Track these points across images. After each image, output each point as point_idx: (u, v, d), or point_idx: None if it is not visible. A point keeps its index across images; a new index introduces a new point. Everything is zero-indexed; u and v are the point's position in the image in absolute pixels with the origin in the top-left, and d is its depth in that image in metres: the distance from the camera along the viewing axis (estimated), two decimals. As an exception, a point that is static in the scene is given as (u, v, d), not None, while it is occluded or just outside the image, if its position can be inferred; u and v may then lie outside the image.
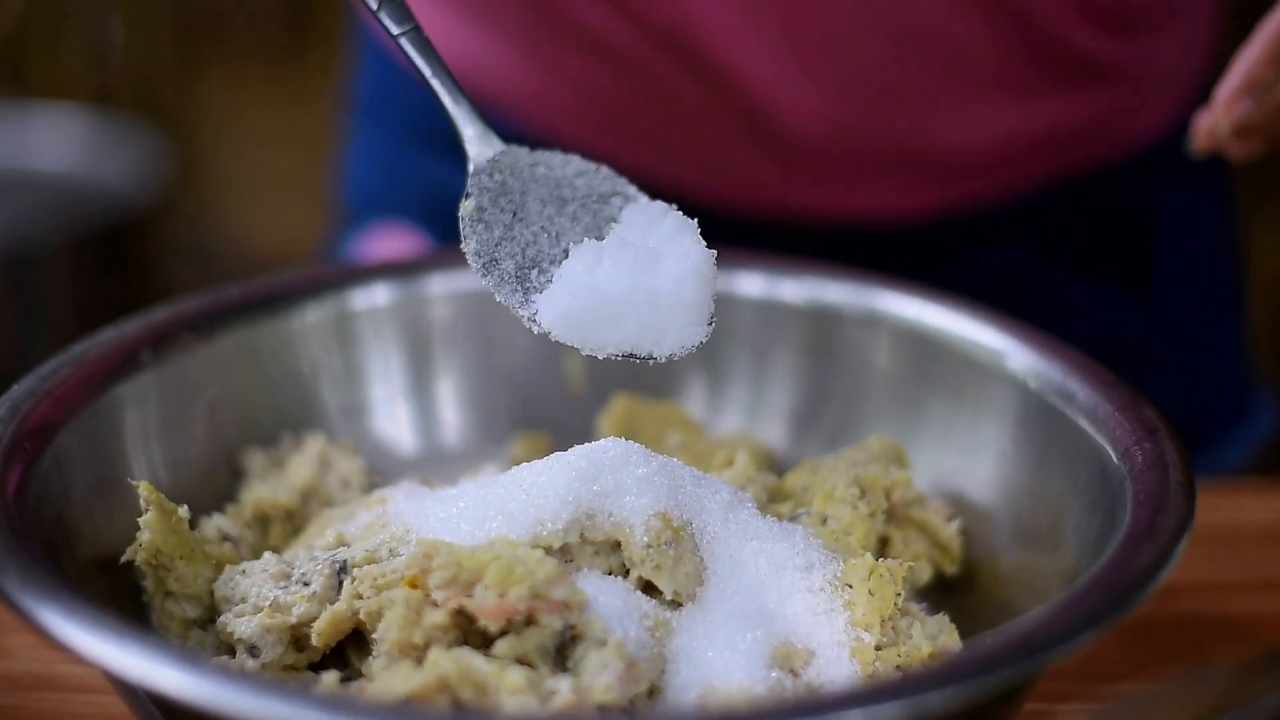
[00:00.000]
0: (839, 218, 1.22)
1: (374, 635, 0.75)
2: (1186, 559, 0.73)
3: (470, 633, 0.73)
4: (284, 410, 0.96)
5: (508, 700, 0.69)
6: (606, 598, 0.74)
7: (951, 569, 0.88)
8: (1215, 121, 0.91)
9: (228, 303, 0.94)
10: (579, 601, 0.73)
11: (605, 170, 0.88)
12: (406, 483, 0.89)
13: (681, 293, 0.79)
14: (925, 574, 0.87)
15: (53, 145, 2.78)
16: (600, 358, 0.80)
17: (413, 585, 0.75)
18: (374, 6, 0.86)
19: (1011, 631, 0.70)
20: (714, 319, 0.81)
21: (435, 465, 0.98)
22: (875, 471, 0.86)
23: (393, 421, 0.99)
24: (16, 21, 2.88)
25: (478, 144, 0.86)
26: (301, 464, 0.93)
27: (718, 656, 0.74)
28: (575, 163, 0.88)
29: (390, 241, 1.30)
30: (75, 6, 2.91)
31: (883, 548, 0.87)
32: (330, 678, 0.75)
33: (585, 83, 1.20)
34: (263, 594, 0.79)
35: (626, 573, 0.78)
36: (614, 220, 0.85)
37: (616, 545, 0.78)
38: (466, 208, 0.84)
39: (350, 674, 0.77)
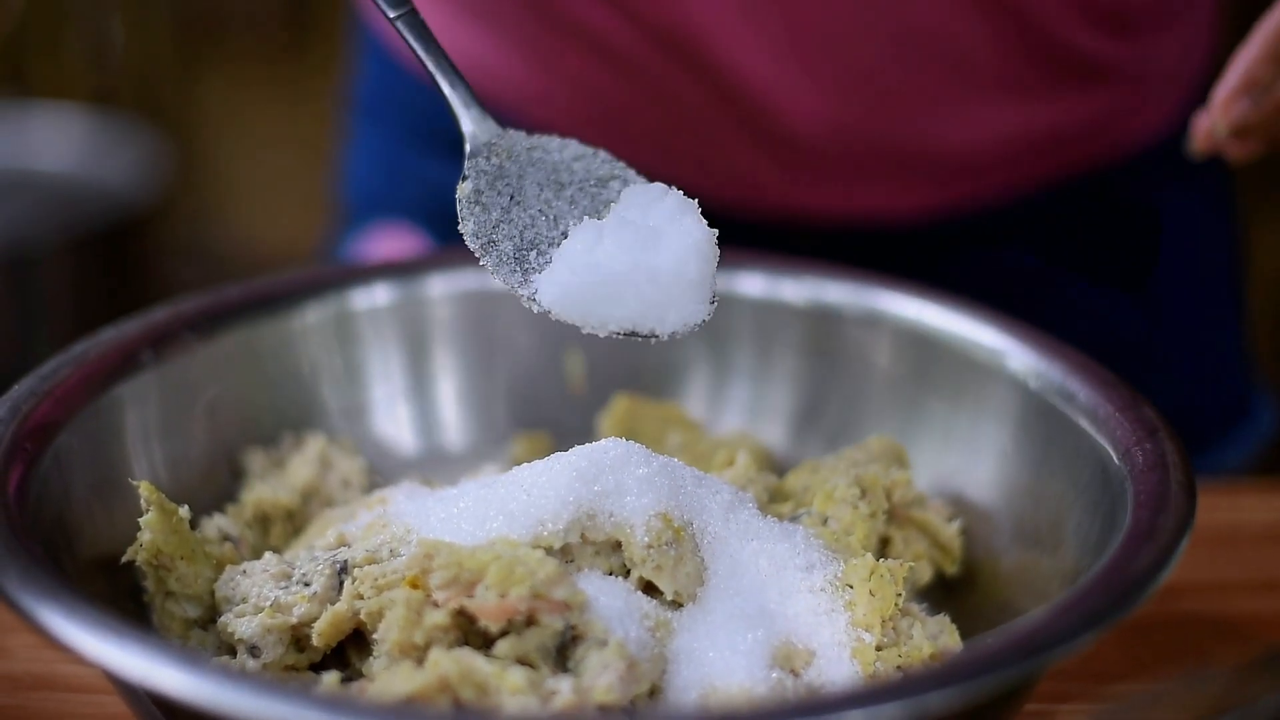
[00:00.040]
0: (839, 218, 1.22)
1: (375, 635, 0.75)
2: (1187, 559, 0.73)
3: (471, 633, 0.73)
4: (284, 410, 0.96)
5: (508, 701, 0.69)
6: (607, 598, 0.74)
7: (952, 569, 0.88)
8: (1213, 122, 0.91)
9: (228, 303, 0.94)
10: (580, 602, 0.73)
11: (603, 154, 0.88)
12: (407, 483, 0.89)
13: (683, 270, 0.79)
14: (926, 574, 0.87)
15: (53, 145, 2.78)
16: (601, 335, 0.80)
17: (413, 585, 0.75)
18: None
19: (1012, 632, 0.70)
20: (715, 299, 0.81)
21: (436, 465, 0.98)
22: (876, 472, 0.86)
23: (393, 421, 0.99)
24: (17, 21, 2.88)
25: (475, 127, 0.86)
26: (302, 464, 0.93)
27: (718, 657, 0.74)
28: (573, 147, 0.87)
29: (390, 241, 1.30)
30: (75, 7, 2.91)
31: (883, 548, 0.87)
32: (331, 678, 0.75)
33: (585, 82, 1.20)
34: (263, 594, 0.79)
35: (627, 573, 0.78)
36: (612, 203, 0.85)
37: (617, 545, 0.78)
38: (464, 190, 0.84)
39: (351, 674, 0.77)
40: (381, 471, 0.96)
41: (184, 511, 0.82)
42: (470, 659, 0.71)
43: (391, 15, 0.85)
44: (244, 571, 0.81)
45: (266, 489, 0.90)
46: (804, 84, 1.15)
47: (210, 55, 2.94)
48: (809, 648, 0.76)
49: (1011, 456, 0.89)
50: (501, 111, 1.24)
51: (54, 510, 0.78)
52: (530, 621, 0.73)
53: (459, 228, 0.83)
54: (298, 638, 0.78)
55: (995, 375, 0.91)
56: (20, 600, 0.67)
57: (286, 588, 0.79)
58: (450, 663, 0.70)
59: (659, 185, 0.82)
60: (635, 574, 0.77)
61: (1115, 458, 0.81)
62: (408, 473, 0.95)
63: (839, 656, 0.76)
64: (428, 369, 1.00)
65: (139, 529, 0.80)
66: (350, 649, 0.78)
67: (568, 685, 0.70)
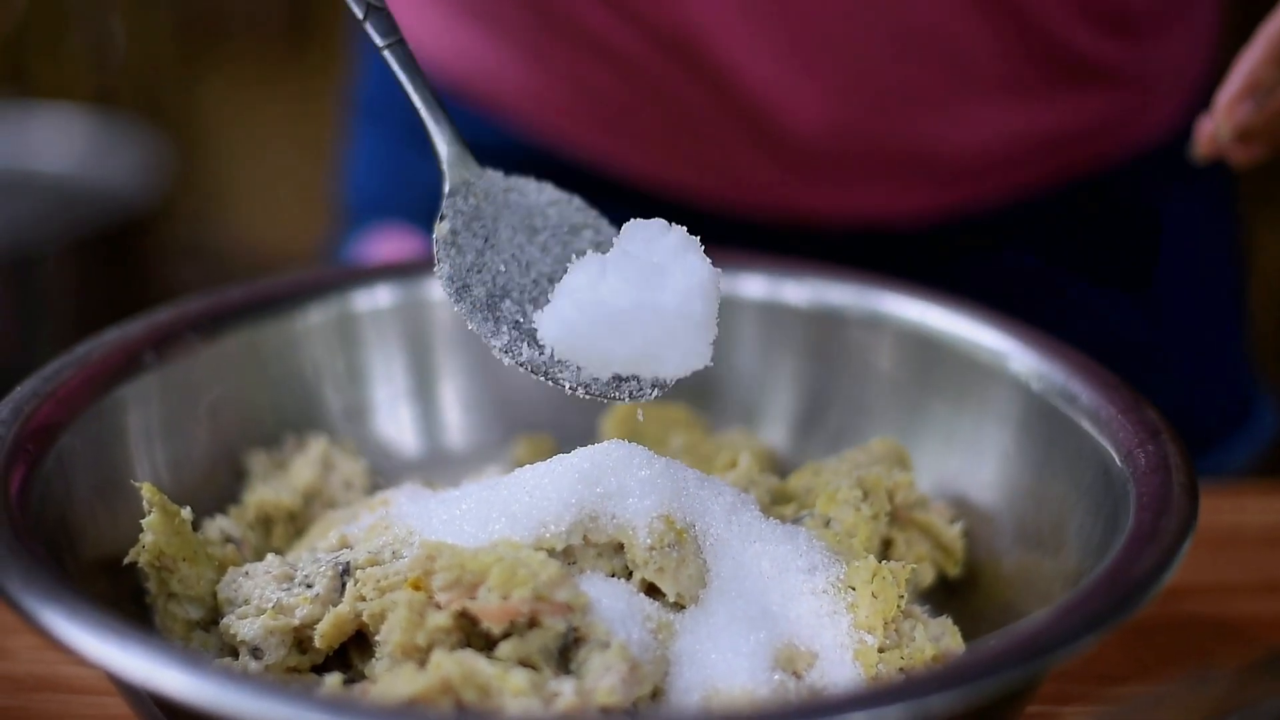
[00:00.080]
0: (839, 219, 1.22)
1: (377, 637, 0.75)
2: (1189, 561, 0.73)
3: (473, 635, 0.73)
4: (287, 411, 0.96)
5: (511, 702, 0.69)
6: (609, 600, 0.74)
7: (954, 571, 0.88)
8: (1217, 126, 0.91)
9: (230, 304, 0.94)
10: (582, 604, 0.73)
11: (578, 201, 0.88)
12: (409, 484, 0.89)
13: (688, 308, 0.78)
14: (928, 576, 0.87)
15: (54, 146, 2.78)
16: (602, 380, 0.80)
17: (416, 587, 0.75)
18: (360, 15, 0.86)
19: (1015, 634, 0.70)
20: (715, 338, 0.80)
21: (438, 467, 0.98)
22: (878, 473, 0.86)
23: (395, 423, 0.99)
24: (18, 22, 2.88)
25: (454, 165, 0.86)
26: (304, 465, 0.93)
27: (721, 659, 0.74)
28: (549, 191, 0.88)
29: (391, 243, 1.30)
30: (76, 7, 2.91)
31: (885, 550, 0.87)
32: (333, 680, 0.75)
33: (586, 83, 1.20)
34: (265, 596, 0.79)
35: (629, 575, 0.78)
36: (583, 253, 0.85)
37: (619, 547, 0.78)
38: (441, 230, 0.84)
39: (353, 676, 0.77)
40: (384, 473, 0.96)
41: (186, 513, 0.82)
42: (472, 661, 0.71)
43: (380, 44, 0.86)
44: (246, 573, 0.81)
45: (269, 490, 0.90)
46: (804, 85, 1.15)
47: (211, 56, 2.94)
48: (811, 650, 0.76)
49: (1014, 458, 0.89)
50: (502, 113, 1.25)
51: (56, 511, 0.78)
52: (532, 623, 0.73)
53: (434, 270, 0.83)
54: (300, 639, 0.78)
55: (997, 377, 0.91)
56: (23, 601, 0.67)
57: (289, 589, 0.79)
58: (452, 664, 0.70)
59: (660, 220, 0.82)
60: (637, 576, 0.77)
61: (1118, 460, 0.81)
62: (410, 474, 0.95)
63: (841, 658, 0.76)
64: (430, 370, 1.00)
65: (141, 530, 0.80)
66: (352, 651, 0.78)
67: (570, 687, 0.70)
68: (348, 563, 0.79)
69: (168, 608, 0.81)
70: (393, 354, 0.99)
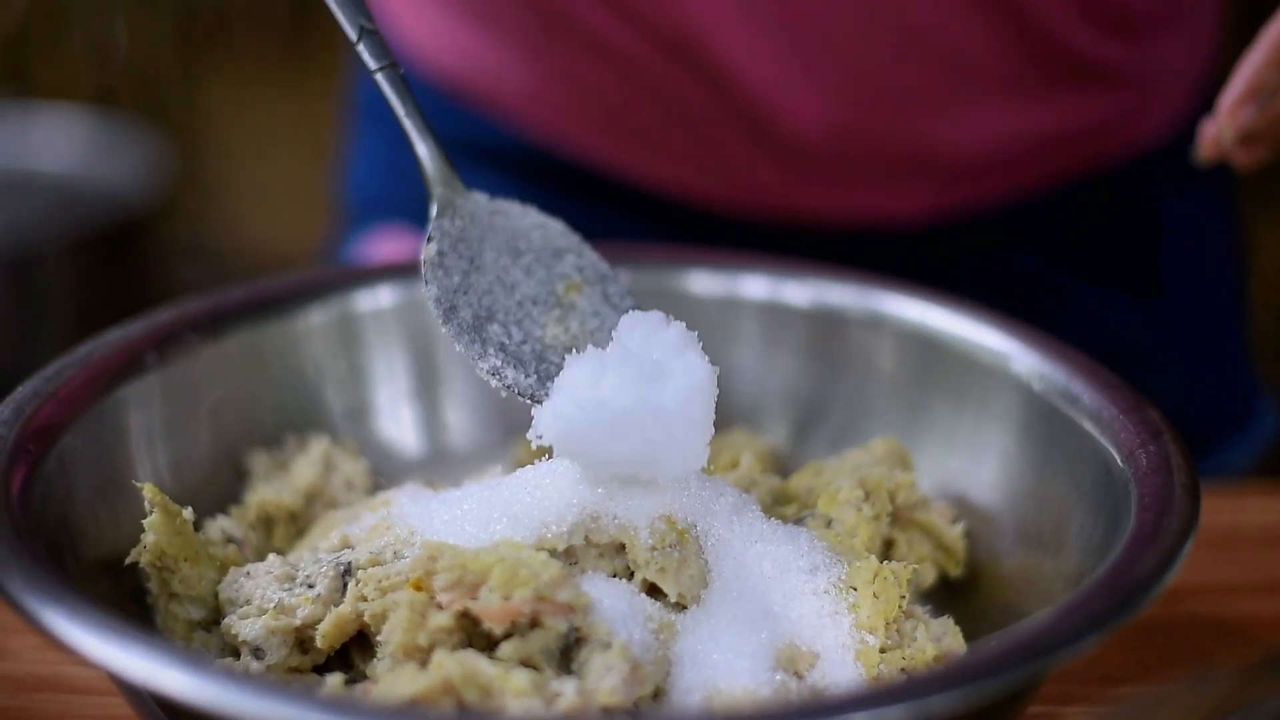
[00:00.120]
0: (840, 219, 1.22)
1: (378, 637, 0.75)
2: (1189, 561, 0.73)
3: (475, 635, 0.73)
4: (288, 412, 0.96)
5: (512, 703, 0.69)
6: (611, 600, 0.74)
7: (956, 571, 0.88)
8: (1220, 129, 0.91)
9: (232, 304, 0.94)
10: (583, 604, 0.73)
11: (561, 225, 0.89)
12: (411, 485, 0.89)
13: (688, 409, 0.77)
14: (929, 576, 0.87)
15: (55, 146, 2.78)
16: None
17: (417, 587, 0.75)
18: (354, 39, 0.86)
19: (1016, 634, 0.70)
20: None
21: (439, 467, 0.98)
22: (879, 474, 0.86)
23: (397, 423, 0.99)
24: (19, 22, 2.88)
25: (441, 188, 0.86)
26: (306, 466, 0.93)
27: (722, 659, 0.74)
28: (532, 215, 0.89)
29: (391, 243, 1.30)
30: (77, 7, 2.92)
31: (887, 550, 0.87)
32: (335, 680, 0.75)
33: (586, 83, 1.20)
34: (267, 596, 0.79)
35: (631, 575, 0.78)
36: (566, 277, 0.86)
37: (621, 548, 0.78)
38: (429, 251, 0.85)
39: (355, 676, 0.77)
40: (385, 473, 0.96)
41: (187, 513, 0.82)
42: (474, 661, 0.71)
43: (373, 67, 0.86)
44: (247, 573, 0.81)
45: (270, 491, 0.90)
46: (804, 85, 1.15)
47: (212, 56, 2.94)
48: (813, 650, 0.76)
49: (1015, 459, 0.89)
50: (502, 114, 1.25)
51: (58, 512, 0.78)
52: (534, 624, 0.73)
53: (423, 291, 0.83)
54: (301, 639, 0.78)
55: (999, 377, 0.91)
56: (24, 602, 0.67)
57: (290, 589, 0.79)
58: (454, 665, 0.70)
59: (658, 314, 0.81)
60: (639, 576, 0.77)
61: (1119, 460, 0.81)
62: (411, 474, 0.95)
63: (843, 659, 0.76)
64: (431, 371, 1.00)
65: (143, 531, 0.80)
66: (354, 651, 0.78)
67: (571, 687, 0.70)
68: (349, 563, 0.79)
69: (169, 608, 0.81)
70: (394, 354, 0.99)
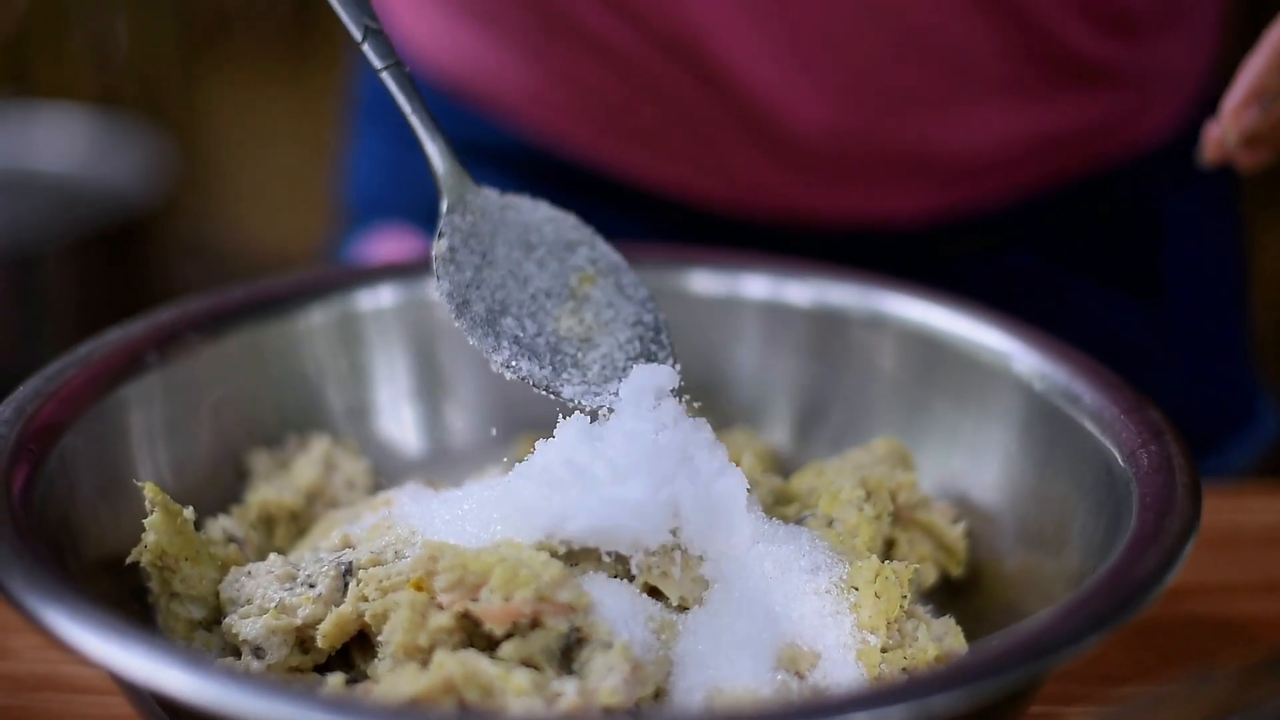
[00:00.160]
0: (840, 220, 1.22)
1: (379, 637, 0.75)
2: (1191, 561, 0.73)
3: (476, 635, 0.73)
4: (289, 411, 0.96)
5: (513, 703, 0.69)
6: (612, 600, 0.74)
7: (957, 571, 0.88)
8: (1224, 131, 0.91)
9: (233, 304, 0.94)
10: (584, 604, 0.73)
11: (573, 218, 0.89)
12: (411, 484, 0.89)
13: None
14: (931, 576, 0.87)
15: (57, 145, 2.78)
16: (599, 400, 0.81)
17: (418, 587, 0.75)
18: (359, 39, 0.86)
19: (1017, 634, 0.70)
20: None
21: (440, 467, 0.98)
22: (881, 474, 0.86)
23: (398, 423, 0.99)
24: (20, 22, 2.88)
25: (451, 184, 0.86)
26: (306, 465, 0.93)
27: (724, 659, 0.74)
28: (544, 209, 0.89)
29: (392, 243, 1.30)
30: (79, 7, 2.92)
31: (888, 550, 0.87)
32: (335, 680, 0.75)
33: (586, 83, 1.20)
34: (268, 595, 0.79)
35: (631, 576, 0.78)
36: (579, 269, 0.86)
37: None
38: (440, 248, 0.85)
39: (355, 676, 0.77)
40: (386, 473, 0.96)
41: (188, 513, 0.82)
42: (475, 661, 0.71)
43: (379, 66, 0.87)
44: (248, 573, 0.81)
45: (271, 490, 0.90)
46: (805, 86, 1.15)
47: (214, 55, 2.94)
48: (814, 650, 0.76)
49: (1016, 458, 0.89)
50: (502, 114, 1.25)
51: (59, 511, 0.78)
52: (535, 624, 0.73)
53: (435, 287, 0.84)
54: (302, 639, 0.78)
55: (1000, 377, 0.91)
56: (25, 601, 0.67)
57: (291, 589, 0.79)
58: (455, 665, 0.70)
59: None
60: (640, 579, 0.77)
61: (1120, 460, 0.81)
62: (412, 474, 0.95)
63: (844, 659, 0.76)
64: (432, 370, 1.00)
65: (144, 530, 0.80)
66: (355, 651, 0.78)
67: (573, 687, 0.70)
68: (350, 563, 0.79)
69: (170, 607, 0.81)
70: (395, 354, 0.99)
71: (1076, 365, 0.88)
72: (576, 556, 0.77)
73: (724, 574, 0.78)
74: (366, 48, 0.86)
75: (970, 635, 0.81)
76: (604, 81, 1.19)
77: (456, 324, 0.83)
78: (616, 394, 0.83)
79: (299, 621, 0.78)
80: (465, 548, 0.75)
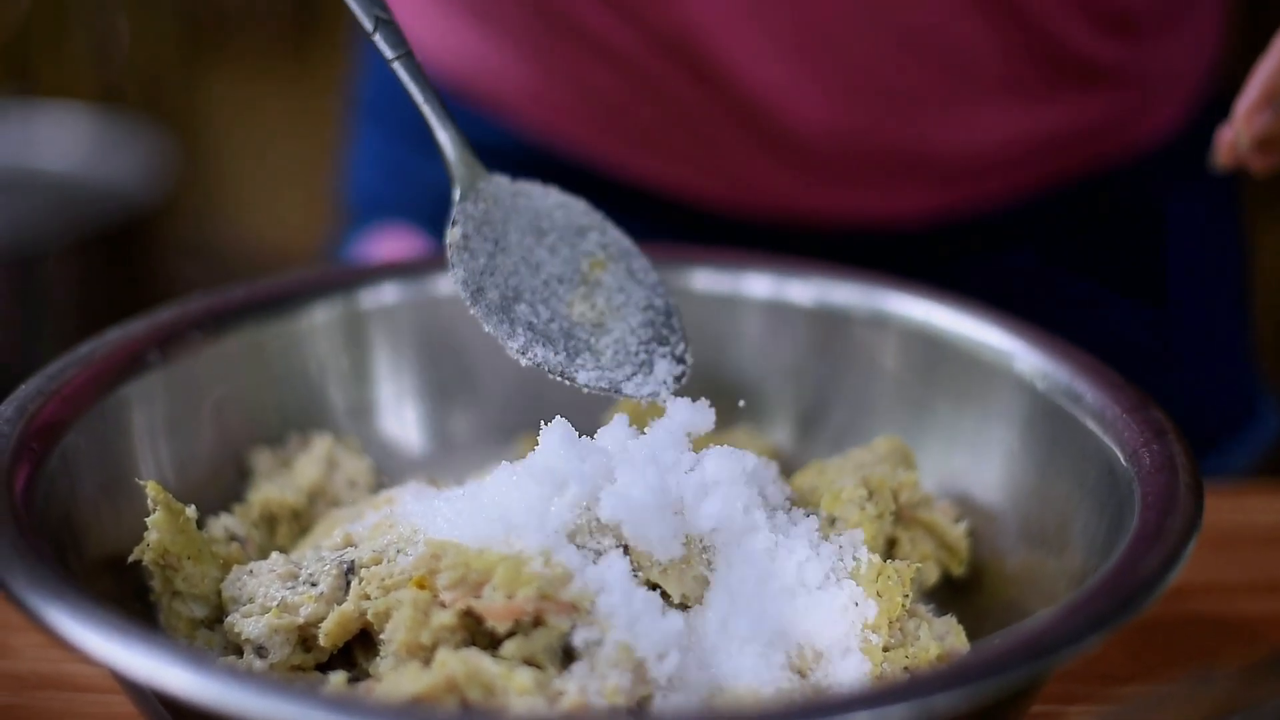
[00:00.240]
0: (841, 220, 1.22)
1: (381, 636, 0.75)
2: (1192, 560, 0.73)
3: (478, 633, 0.73)
4: (291, 410, 0.96)
5: (516, 701, 0.69)
6: (615, 598, 0.74)
7: (959, 570, 0.88)
8: (1236, 134, 0.91)
9: (235, 302, 0.94)
10: (586, 603, 0.73)
11: (583, 204, 0.89)
12: (414, 483, 0.89)
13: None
14: (932, 575, 0.87)
15: (58, 144, 2.78)
16: (610, 385, 0.82)
17: (420, 586, 0.75)
18: (369, 29, 0.86)
19: (1019, 633, 0.70)
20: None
21: (442, 465, 0.98)
22: (883, 472, 0.86)
23: (400, 421, 0.99)
24: (22, 20, 2.88)
25: (463, 171, 0.87)
26: (309, 464, 0.93)
27: (726, 657, 0.74)
28: (555, 195, 0.89)
29: (392, 242, 1.30)
30: (80, 5, 2.92)
31: (890, 549, 0.87)
32: (338, 678, 0.75)
33: (587, 83, 1.20)
34: (270, 594, 0.79)
35: (634, 572, 0.78)
36: (591, 254, 0.87)
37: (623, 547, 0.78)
38: (453, 235, 0.85)
39: (358, 674, 0.77)
40: (388, 471, 0.96)
41: (191, 511, 0.82)
42: (477, 659, 0.71)
43: (390, 56, 0.87)
44: (251, 571, 0.81)
45: (273, 489, 0.90)
46: (806, 86, 1.15)
47: (215, 53, 2.94)
48: (816, 648, 0.76)
49: (1018, 457, 0.89)
50: (503, 113, 1.25)
51: (61, 510, 0.78)
52: (537, 622, 0.73)
53: (449, 274, 0.84)
54: (304, 638, 0.78)
55: (1002, 376, 0.91)
56: (27, 599, 0.67)
57: (293, 588, 0.79)
58: (457, 663, 0.70)
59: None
60: (642, 576, 0.77)
61: (1122, 459, 0.81)
62: (414, 473, 0.95)
63: (846, 657, 0.76)
64: (435, 369, 1.00)
65: (146, 529, 0.80)
66: (357, 649, 0.78)
67: (575, 686, 0.70)
68: (352, 561, 0.79)
69: (172, 606, 0.81)
70: (397, 352, 0.99)
71: (1078, 364, 0.88)
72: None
73: (726, 571, 0.78)
74: (378, 38, 0.86)
75: (972, 634, 0.81)
76: (604, 81, 1.19)
77: (472, 311, 0.84)
78: (631, 378, 0.84)
79: (301, 620, 0.78)
80: (467, 546, 0.75)
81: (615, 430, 0.82)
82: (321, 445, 0.94)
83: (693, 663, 0.73)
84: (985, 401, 0.92)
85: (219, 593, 0.82)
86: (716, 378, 1.00)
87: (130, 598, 0.81)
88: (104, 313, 1.20)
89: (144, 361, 0.88)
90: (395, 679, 0.71)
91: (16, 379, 0.83)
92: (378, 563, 0.78)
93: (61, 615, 0.67)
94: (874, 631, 0.77)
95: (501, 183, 0.88)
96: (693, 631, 0.75)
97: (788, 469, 0.95)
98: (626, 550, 0.78)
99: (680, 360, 0.87)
